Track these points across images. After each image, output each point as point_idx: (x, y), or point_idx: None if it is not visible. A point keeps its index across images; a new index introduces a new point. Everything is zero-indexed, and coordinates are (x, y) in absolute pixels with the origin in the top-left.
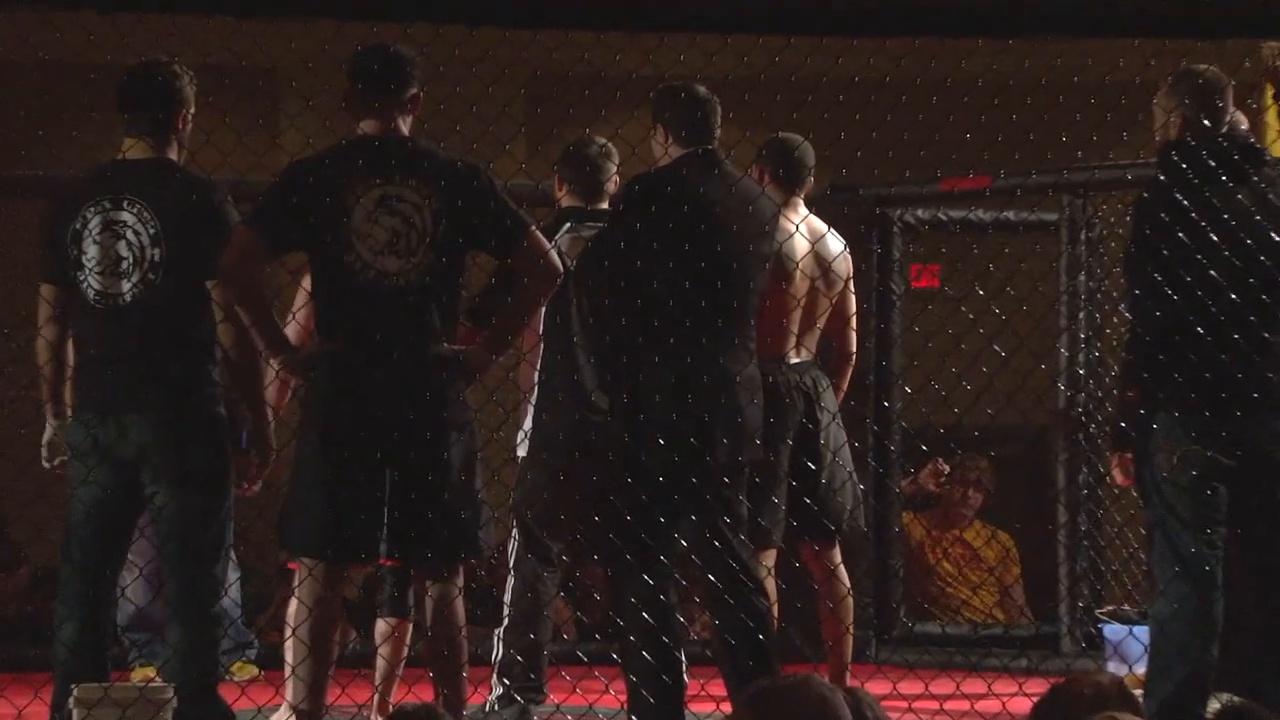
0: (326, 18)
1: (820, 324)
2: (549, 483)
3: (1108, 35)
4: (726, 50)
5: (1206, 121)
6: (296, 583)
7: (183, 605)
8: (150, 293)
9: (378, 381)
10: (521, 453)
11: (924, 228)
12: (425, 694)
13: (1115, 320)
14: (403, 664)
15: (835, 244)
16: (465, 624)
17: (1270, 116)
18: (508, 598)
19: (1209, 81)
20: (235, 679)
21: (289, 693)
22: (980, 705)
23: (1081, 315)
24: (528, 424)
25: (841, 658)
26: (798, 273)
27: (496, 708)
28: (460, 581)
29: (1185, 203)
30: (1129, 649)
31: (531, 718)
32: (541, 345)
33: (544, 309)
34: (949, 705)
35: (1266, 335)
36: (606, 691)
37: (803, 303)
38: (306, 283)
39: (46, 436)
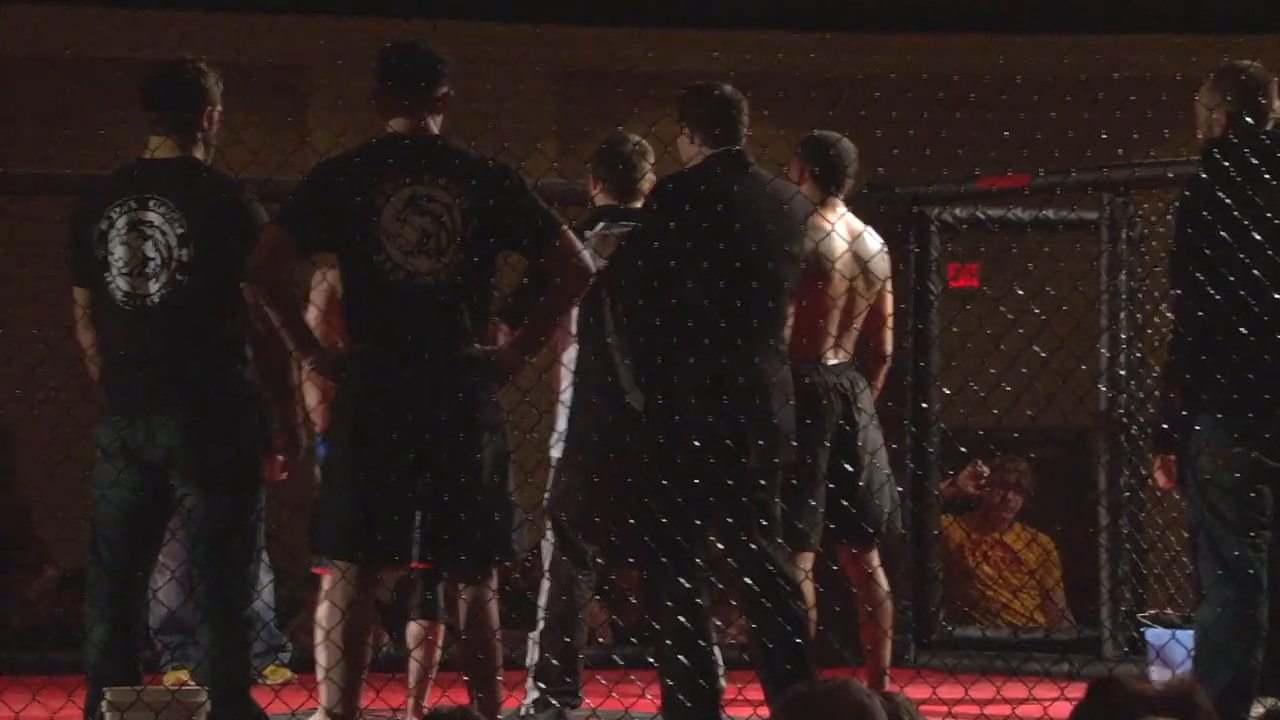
0: (355, 14)
1: (858, 324)
2: (583, 484)
3: (1125, 31)
4: (761, 46)
5: (1249, 118)
6: (328, 586)
7: (214, 608)
8: (178, 293)
9: (409, 382)
10: (555, 454)
11: (962, 226)
12: (460, 698)
13: (1157, 320)
14: (435, 667)
15: (873, 243)
16: (499, 627)
17: None
18: (542, 601)
19: (1252, 77)
20: (268, 682)
21: (323, 696)
22: (1021, 710)
23: (1122, 315)
24: (561, 425)
25: (880, 662)
26: (835, 273)
27: (532, 712)
28: (494, 584)
29: (1228, 201)
30: (1172, 653)
31: None
32: (575, 345)
33: (577, 309)
34: (989, 710)
35: None
36: (643, 696)
37: (840, 303)
38: (332, 276)
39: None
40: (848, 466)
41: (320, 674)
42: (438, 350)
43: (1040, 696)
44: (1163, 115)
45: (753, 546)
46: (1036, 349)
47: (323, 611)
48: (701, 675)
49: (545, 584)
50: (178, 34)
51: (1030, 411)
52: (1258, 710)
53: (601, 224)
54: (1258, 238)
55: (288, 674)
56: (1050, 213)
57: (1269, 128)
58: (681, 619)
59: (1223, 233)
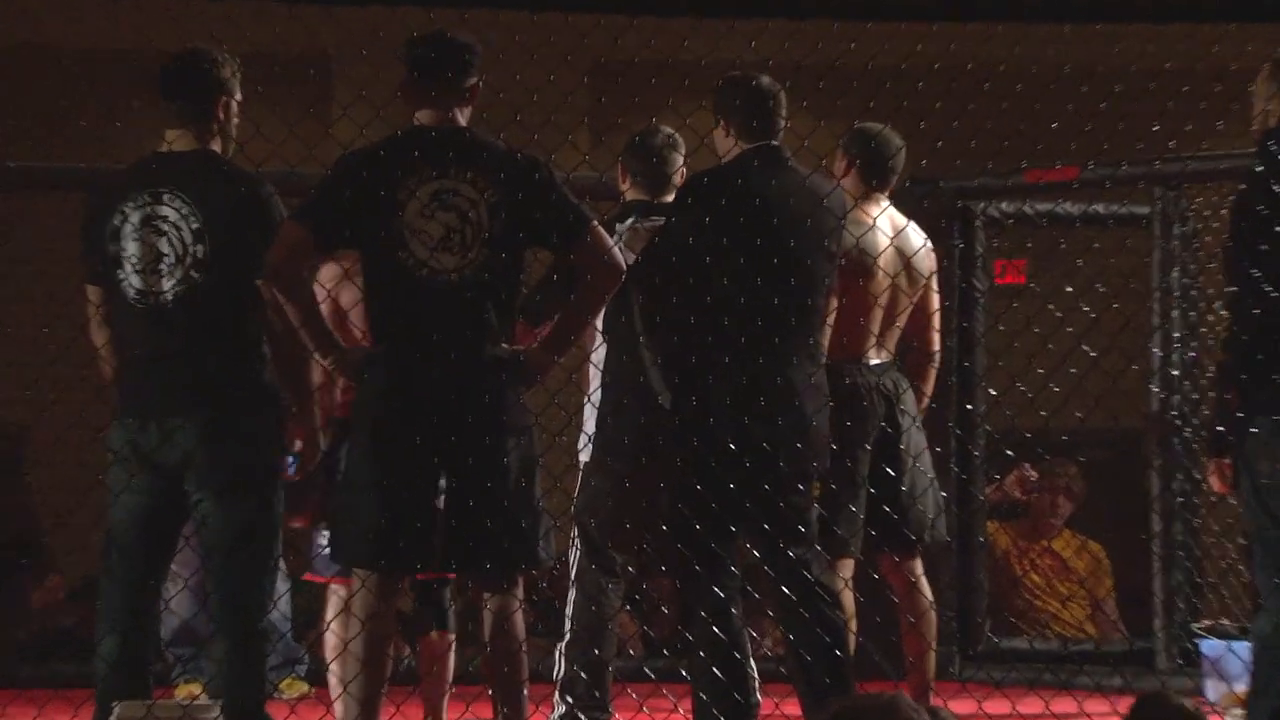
0: (381, 3)
1: (901, 323)
2: (613, 490)
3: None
4: (799, 35)
5: None
6: (343, 595)
7: (228, 619)
8: (193, 291)
9: (432, 383)
10: (584, 458)
11: (1008, 221)
12: (484, 712)
13: (1211, 319)
14: (450, 678)
15: (917, 239)
16: (525, 638)
17: None
18: (570, 611)
19: None
20: (284, 696)
21: (339, 712)
22: None
23: (1175, 313)
24: (590, 428)
25: (924, 675)
26: (878, 269)
27: None
28: (520, 594)
29: None
30: (1228, 666)
31: None
32: (605, 346)
33: (608, 308)
34: None
35: None
36: (675, 710)
37: (883, 301)
38: (354, 269)
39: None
40: (890, 470)
41: (336, 689)
42: (462, 350)
43: (1091, 711)
44: (1216, 106)
45: (790, 554)
46: (1086, 348)
47: (332, 627)
48: (736, 689)
49: (572, 593)
50: (197, 22)
51: (1079, 413)
52: None
53: (632, 218)
54: None
55: (305, 688)
56: (1100, 207)
57: None
58: (716, 630)
59: (1279, 228)
